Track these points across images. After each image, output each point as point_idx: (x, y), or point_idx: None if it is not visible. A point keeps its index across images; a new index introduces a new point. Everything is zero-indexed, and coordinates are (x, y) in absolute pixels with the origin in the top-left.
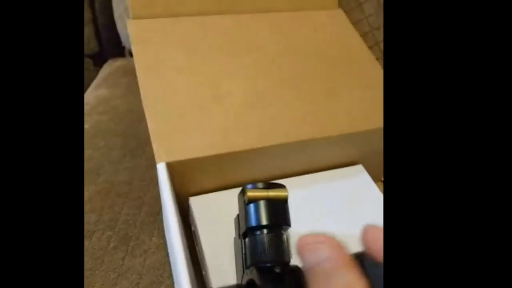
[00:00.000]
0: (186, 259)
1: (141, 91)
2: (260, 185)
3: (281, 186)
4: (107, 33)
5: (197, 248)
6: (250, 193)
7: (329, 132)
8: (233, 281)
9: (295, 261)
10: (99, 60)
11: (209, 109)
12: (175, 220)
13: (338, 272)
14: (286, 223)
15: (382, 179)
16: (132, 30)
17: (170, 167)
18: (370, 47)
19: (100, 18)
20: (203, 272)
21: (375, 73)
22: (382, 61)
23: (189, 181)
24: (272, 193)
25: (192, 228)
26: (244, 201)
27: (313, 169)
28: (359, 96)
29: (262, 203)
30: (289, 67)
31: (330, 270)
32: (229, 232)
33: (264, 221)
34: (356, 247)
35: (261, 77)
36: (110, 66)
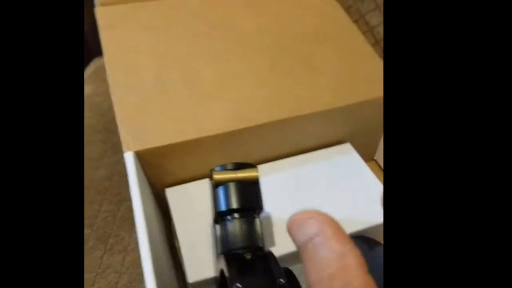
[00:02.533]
0: (156, 256)
1: (108, 78)
2: (229, 166)
3: (251, 166)
4: (91, 32)
5: (175, 242)
6: (217, 176)
7: (310, 108)
8: (211, 274)
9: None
10: (85, 59)
11: (179, 93)
12: (141, 214)
13: (328, 243)
14: (258, 205)
15: (374, 157)
16: (100, 17)
17: (141, 156)
18: (355, 21)
19: (85, 17)
20: (182, 266)
21: (360, 46)
22: (368, 35)
23: (164, 171)
24: (241, 174)
25: (171, 221)
26: (212, 184)
27: (297, 151)
28: (342, 70)
29: (231, 185)
30: (264, 45)
31: (320, 243)
32: (207, 223)
33: (234, 205)
34: (348, 229)
35: (233, 57)
36: (96, 64)
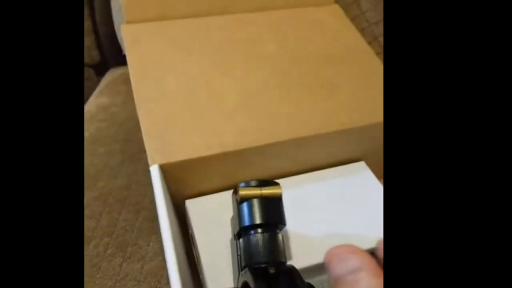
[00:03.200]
0: (179, 264)
1: (134, 93)
2: (253, 183)
3: (275, 184)
4: (108, 43)
5: (194, 252)
6: (242, 192)
7: (328, 128)
8: (230, 285)
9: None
10: (101, 70)
11: (203, 109)
12: (167, 224)
13: (369, 279)
14: (281, 221)
15: None
16: (125, 35)
17: (165, 169)
18: (369, 43)
19: (101, 28)
20: (201, 277)
21: (375, 67)
22: (382, 56)
23: (185, 183)
24: (265, 191)
25: (190, 232)
26: (237, 200)
27: (314, 168)
28: (359, 90)
29: (255, 202)
30: (286, 64)
31: (363, 278)
32: (226, 235)
33: (257, 220)
34: (362, 245)
35: (256, 76)
36: (112, 75)
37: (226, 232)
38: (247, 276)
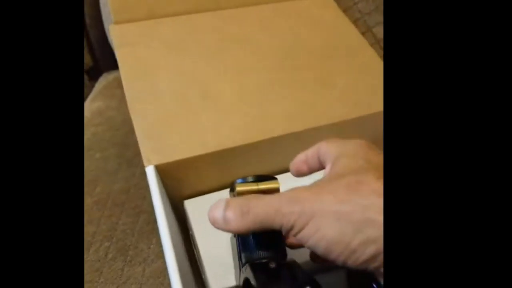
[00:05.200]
0: (180, 265)
1: (126, 95)
2: (250, 178)
3: (272, 178)
4: (99, 47)
5: (195, 252)
6: (239, 188)
7: (326, 120)
8: (233, 283)
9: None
10: (94, 74)
11: (197, 107)
12: (165, 225)
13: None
14: None
15: None
16: (114, 35)
17: (161, 170)
18: (363, 33)
19: (92, 32)
20: (203, 277)
21: (370, 58)
22: (376, 46)
23: (182, 183)
24: (263, 186)
25: (190, 232)
26: (234, 196)
27: None
28: (355, 82)
29: None
30: (280, 59)
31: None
32: (226, 234)
33: None
34: None
35: (251, 72)
36: (105, 79)
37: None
38: (248, 272)
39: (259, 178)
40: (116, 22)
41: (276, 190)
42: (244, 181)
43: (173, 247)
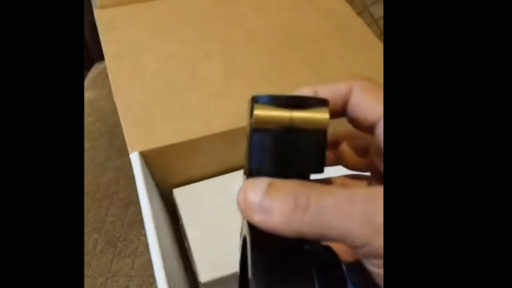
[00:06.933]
0: (165, 255)
1: (111, 80)
2: (280, 98)
3: (320, 103)
4: (91, 37)
5: (185, 243)
6: (259, 112)
7: None
8: (222, 272)
9: None
10: (86, 64)
11: (186, 92)
12: (149, 213)
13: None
14: (318, 170)
15: None
16: (100, 20)
17: (146, 156)
18: (359, 13)
19: (85, 22)
20: (193, 267)
21: (367, 39)
22: (374, 27)
23: (171, 171)
24: (301, 114)
25: (180, 222)
26: (251, 125)
27: None
28: (351, 64)
29: (282, 135)
30: (271, 43)
31: None
32: (216, 223)
33: (279, 166)
34: None
35: (240, 56)
36: (97, 69)
37: (216, 219)
38: (245, 230)
39: (295, 100)
40: (102, 6)
41: (322, 126)
42: (270, 100)
43: (158, 238)
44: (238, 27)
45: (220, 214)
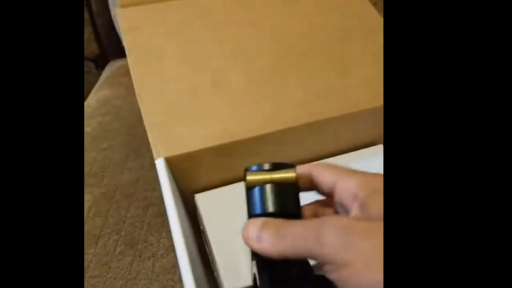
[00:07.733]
0: (192, 261)
1: (134, 83)
2: (265, 166)
3: (289, 166)
4: (106, 34)
5: (207, 248)
6: (251, 177)
7: (342, 110)
8: (247, 281)
9: None
10: (101, 63)
11: (208, 96)
12: (176, 219)
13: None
14: (294, 211)
15: None
16: (121, 19)
17: (171, 162)
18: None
19: (98, 19)
20: (215, 273)
21: None
22: None
23: (193, 176)
24: (277, 175)
25: (201, 227)
26: (246, 186)
27: (328, 154)
28: (372, 68)
29: (267, 188)
30: (293, 44)
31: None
32: (240, 229)
33: (268, 208)
34: None
35: (263, 57)
36: (112, 67)
37: (239, 226)
38: (254, 269)
39: (275, 166)
40: (123, 5)
41: (292, 180)
42: (259, 168)
43: (185, 244)
44: (259, 29)
45: (242, 220)
